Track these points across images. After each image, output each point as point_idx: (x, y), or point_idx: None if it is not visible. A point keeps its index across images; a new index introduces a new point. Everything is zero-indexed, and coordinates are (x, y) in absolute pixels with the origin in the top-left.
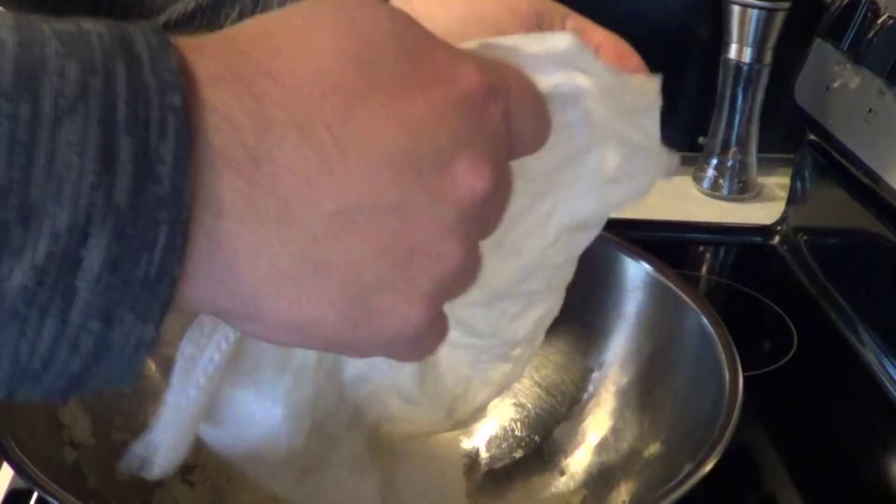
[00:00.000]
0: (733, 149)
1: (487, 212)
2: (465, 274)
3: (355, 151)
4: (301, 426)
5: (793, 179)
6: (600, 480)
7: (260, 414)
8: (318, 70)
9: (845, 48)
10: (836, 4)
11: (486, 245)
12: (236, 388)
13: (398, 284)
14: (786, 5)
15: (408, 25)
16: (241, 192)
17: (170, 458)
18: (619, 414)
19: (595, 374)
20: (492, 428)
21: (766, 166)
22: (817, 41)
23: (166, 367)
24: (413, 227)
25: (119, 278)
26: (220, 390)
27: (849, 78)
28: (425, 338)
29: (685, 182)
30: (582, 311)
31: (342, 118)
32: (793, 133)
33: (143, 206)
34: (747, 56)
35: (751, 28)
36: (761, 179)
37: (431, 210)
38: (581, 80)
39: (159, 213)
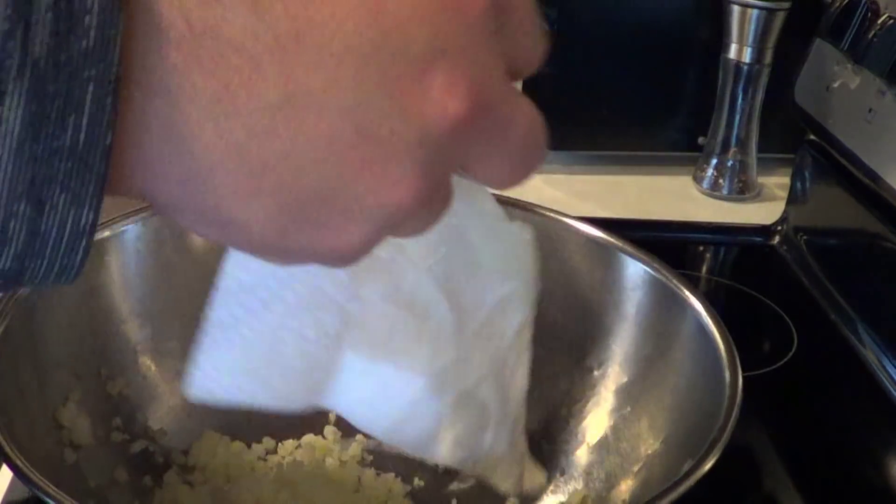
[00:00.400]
0: (733, 149)
1: (458, 143)
2: (418, 211)
3: (315, 36)
4: (446, 396)
5: (793, 179)
6: (600, 480)
7: (400, 387)
8: None
9: (845, 48)
10: (836, 4)
11: None
12: (372, 362)
13: (339, 198)
14: (786, 5)
15: None
16: (177, 67)
17: (222, 384)
18: (618, 413)
19: (595, 374)
20: None
21: (766, 166)
22: (817, 41)
23: (166, 366)
24: (367, 138)
25: (44, 146)
26: (355, 367)
27: (849, 78)
28: (355, 255)
29: (685, 182)
30: (582, 311)
31: None
32: (793, 133)
33: (65, 61)
34: (747, 56)
35: (751, 28)
36: (761, 179)
37: (393, 121)
38: None
39: (85, 70)
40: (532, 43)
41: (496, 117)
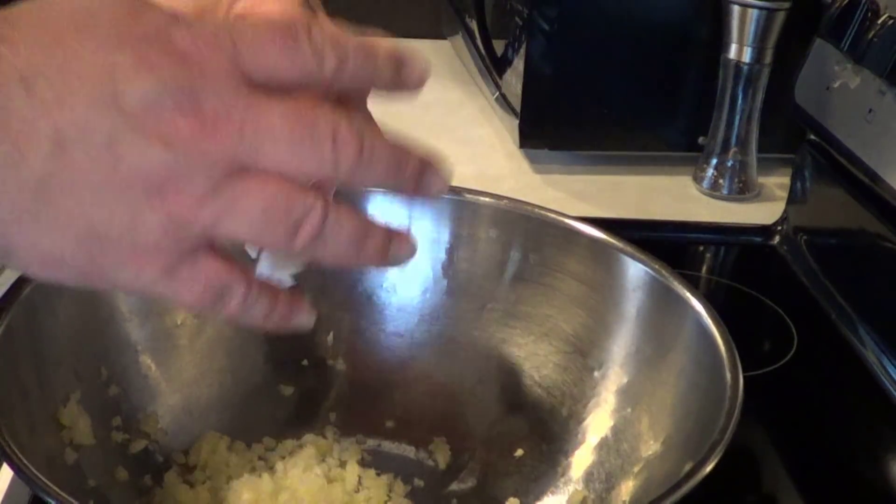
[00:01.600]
0: (733, 149)
1: (208, 149)
2: (199, 206)
3: (68, 95)
4: None
5: (793, 179)
6: (600, 480)
7: None
8: (45, 28)
9: (845, 48)
10: (836, 4)
11: None
12: None
13: (122, 217)
14: (786, 5)
15: None
16: None
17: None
18: (619, 414)
19: (595, 374)
20: (492, 428)
21: (766, 166)
22: (817, 41)
23: (166, 365)
24: (126, 161)
25: None
26: None
27: (849, 78)
28: (181, 274)
29: (685, 182)
30: (582, 312)
31: (59, 69)
32: (793, 133)
33: None
34: (747, 56)
35: (751, 28)
36: (761, 179)
37: (141, 147)
38: None
39: None
40: (277, 49)
41: (243, 123)
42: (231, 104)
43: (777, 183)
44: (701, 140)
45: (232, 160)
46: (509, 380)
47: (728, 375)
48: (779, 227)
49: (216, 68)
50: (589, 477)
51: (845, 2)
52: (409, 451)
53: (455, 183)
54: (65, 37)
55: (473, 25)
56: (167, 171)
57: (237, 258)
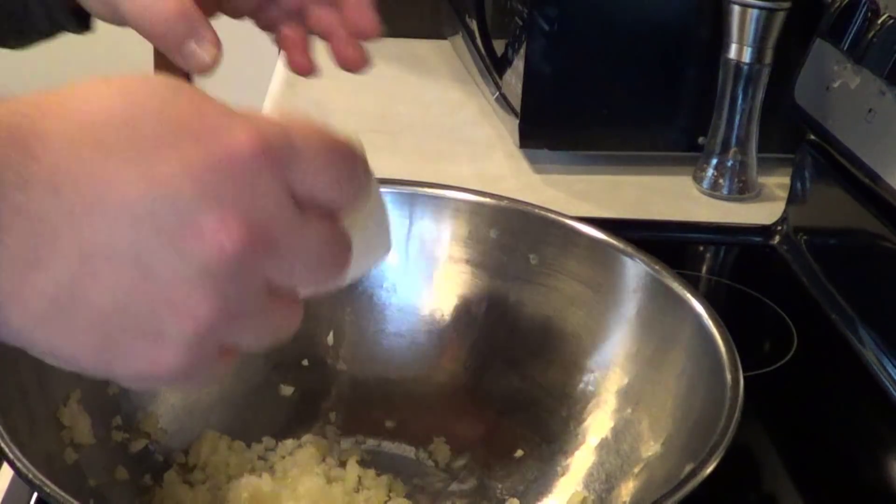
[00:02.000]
0: (733, 149)
1: (249, 269)
2: (227, 326)
3: (98, 204)
4: None
5: (793, 179)
6: (601, 481)
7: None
8: (82, 129)
9: (845, 48)
10: (836, 4)
11: None
12: None
13: (146, 331)
14: (786, 5)
15: (181, 90)
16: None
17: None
18: (619, 414)
19: (595, 374)
20: (492, 428)
21: (766, 166)
22: (817, 41)
23: None
24: (154, 278)
25: None
26: None
27: (849, 78)
28: (194, 375)
29: (685, 182)
30: (582, 312)
31: (91, 174)
32: (793, 133)
33: None
34: (747, 56)
35: (751, 28)
36: (761, 179)
37: (174, 263)
38: None
39: None
40: (331, 178)
41: (283, 243)
42: (275, 222)
43: (777, 183)
44: (701, 140)
45: (264, 281)
46: (509, 379)
47: (728, 376)
48: (779, 227)
49: (267, 184)
50: (589, 477)
51: (845, 2)
52: (409, 451)
53: (455, 183)
54: (102, 135)
55: (473, 25)
56: (195, 289)
57: None
